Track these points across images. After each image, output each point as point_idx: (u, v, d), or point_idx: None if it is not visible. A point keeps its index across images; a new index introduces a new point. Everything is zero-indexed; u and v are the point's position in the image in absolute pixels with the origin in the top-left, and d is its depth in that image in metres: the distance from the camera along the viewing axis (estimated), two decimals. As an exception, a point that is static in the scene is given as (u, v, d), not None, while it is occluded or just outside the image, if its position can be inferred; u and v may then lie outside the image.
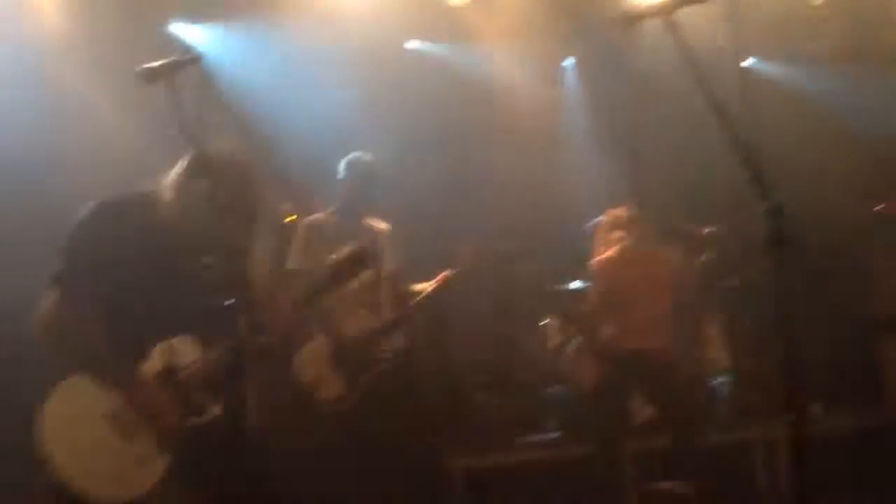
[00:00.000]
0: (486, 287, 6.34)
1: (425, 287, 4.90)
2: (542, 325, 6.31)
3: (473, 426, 5.97)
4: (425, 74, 6.56)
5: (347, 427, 4.59)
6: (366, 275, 4.60)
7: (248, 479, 2.41)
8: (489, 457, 5.58)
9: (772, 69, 7.02)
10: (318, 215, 4.88)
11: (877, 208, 6.21)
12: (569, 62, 7.43)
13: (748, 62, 7.04)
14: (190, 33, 6.17)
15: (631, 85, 6.89)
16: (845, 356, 6.11)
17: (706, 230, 6.41)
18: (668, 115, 6.60)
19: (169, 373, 2.48)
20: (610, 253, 5.41)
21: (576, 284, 6.24)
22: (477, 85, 6.81)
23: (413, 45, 6.90)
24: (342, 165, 4.87)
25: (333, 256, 2.79)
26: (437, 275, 4.90)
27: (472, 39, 6.74)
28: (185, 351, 2.50)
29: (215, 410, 2.46)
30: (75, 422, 2.45)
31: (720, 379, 6.25)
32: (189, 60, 2.25)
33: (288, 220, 5.03)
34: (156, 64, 2.27)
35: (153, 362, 2.49)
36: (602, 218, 6.71)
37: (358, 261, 2.65)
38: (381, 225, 4.92)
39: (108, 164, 5.18)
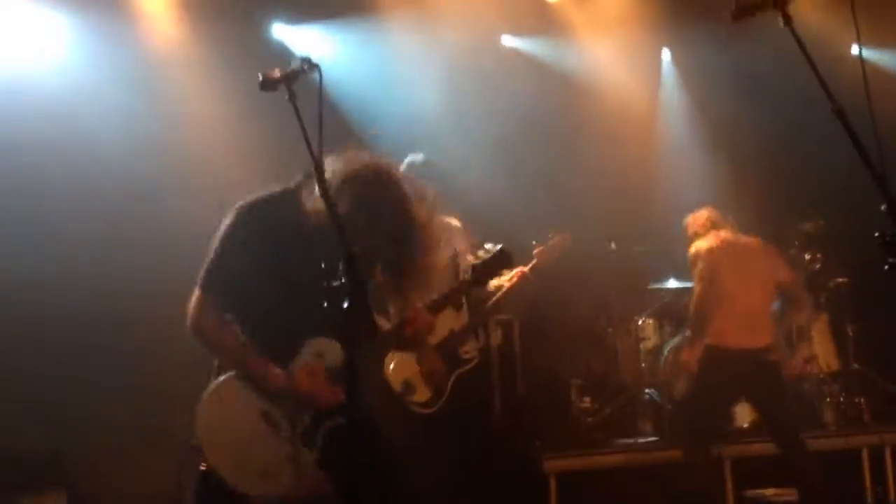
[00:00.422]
0: (579, 285, 6.27)
1: (502, 283, 4.85)
2: (639, 324, 6.23)
3: (568, 428, 5.92)
4: (522, 69, 6.52)
5: (438, 430, 4.59)
6: (449, 274, 4.69)
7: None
8: (583, 459, 5.51)
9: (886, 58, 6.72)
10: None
11: None
12: (667, 56, 7.29)
13: (861, 51, 6.75)
14: (289, 35, 6.27)
15: (732, 80, 6.70)
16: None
17: (809, 224, 6.23)
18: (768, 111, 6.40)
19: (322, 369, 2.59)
20: (712, 242, 5.14)
21: (672, 283, 6.13)
22: (574, 80, 6.75)
23: (509, 40, 6.88)
24: (407, 167, 4.59)
25: (471, 258, 2.82)
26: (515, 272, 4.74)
27: (569, 34, 6.67)
28: (329, 350, 2.60)
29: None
30: (228, 415, 2.60)
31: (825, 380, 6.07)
32: (310, 69, 2.30)
33: None
34: (276, 73, 2.33)
35: (305, 358, 2.60)
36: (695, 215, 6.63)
37: (502, 259, 2.75)
38: (455, 221, 4.89)
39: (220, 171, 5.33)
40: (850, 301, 6.32)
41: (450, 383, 4.56)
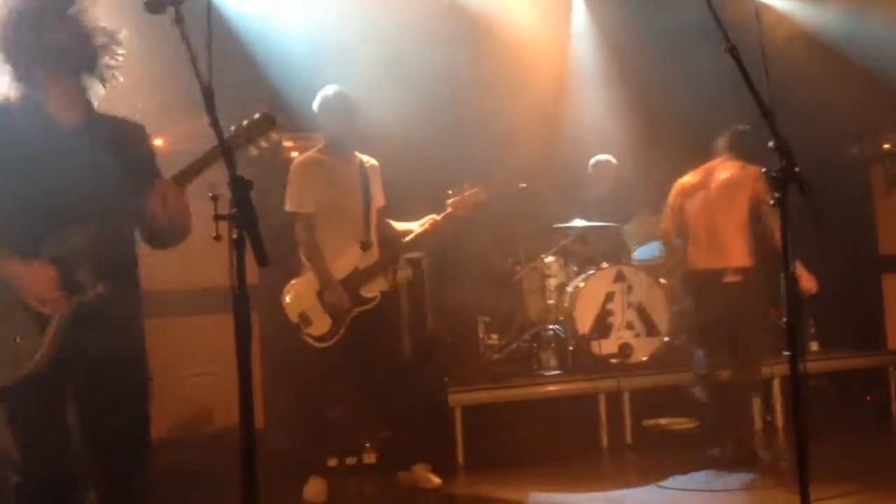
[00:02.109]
0: (488, 225, 6.33)
1: (412, 227, 4.88)
2: (545, 262, 6.34)
3: (475, 364, 6.03)
4: (431, 13, 6.42)
5: (335, 363, 4.64)
6: (357, 209, 4.69)
7: None
8: (488, 393, 5.63)
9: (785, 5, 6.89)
10: (310, 154, 4.77)
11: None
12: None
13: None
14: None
15: (641, 23, 6.76)
16: (847, 295, 6.15)
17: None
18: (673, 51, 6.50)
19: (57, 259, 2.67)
20: (689, 176, 5.30)
21: (577, 223, 6.25)
22: (483, 23, 6.70)
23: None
24: (321, 101, 4.70)
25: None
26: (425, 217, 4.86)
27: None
28: (70, 237, 2.69)
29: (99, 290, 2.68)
30: None
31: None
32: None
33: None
34: (161, -7, 2.23)
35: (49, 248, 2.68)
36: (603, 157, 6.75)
37: (264, 123, 2.72)
38: (371, 160, 4.88)
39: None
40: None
41: (347, 319, 4.60)
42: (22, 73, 2.71)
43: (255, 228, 2.05)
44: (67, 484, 2.72)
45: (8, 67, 2.71)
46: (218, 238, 2.14)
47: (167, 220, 2.68)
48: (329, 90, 4.71)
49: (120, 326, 2.76)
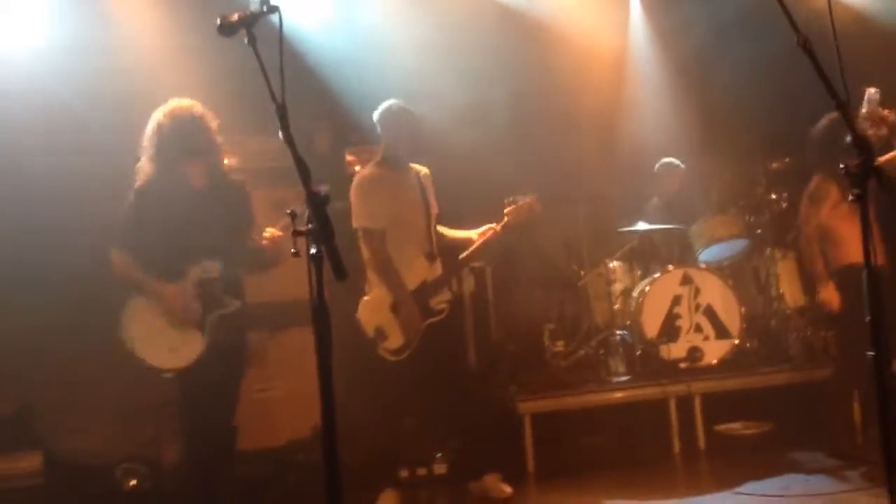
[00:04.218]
0: (551, 231, 6.32)
1: (469, 235, 4.88)
2: (609, 267, 6.29)
3: (542, 372, 6.00)
4: (490, 18, 6.45)
5: (408, 375, 4.65)
6: (421, 221, 4.71)
7: None
8: (557, 400, 5.58)
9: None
10: (371, 169, 4.75)
11: None
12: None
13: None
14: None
15: (701, 23, 6.68)
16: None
17: (776, 163, 6.29)
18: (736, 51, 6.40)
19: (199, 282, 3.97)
20: None
21: (640, 226, 6.19)
22: (542, 27, 6.70)
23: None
24: (383, 115, 4.71)
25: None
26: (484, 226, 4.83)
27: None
28: (212, 268, 3.99)
29: (233, 304, 4.04)
30: (143, 319, 3.97)
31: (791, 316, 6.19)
32: (267, 11, 2.27)
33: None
34: (235, 16, 2.30)
35: (191, 276, 3.98)
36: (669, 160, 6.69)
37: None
38: (423, 169, 4.89)
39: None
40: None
41: (421, 332, 4.62)
42: (166, 160, 3.95)
43: (332, 243, 2.09)
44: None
45: (155, 155, 3.96)
46: (296, 254, 2.18)
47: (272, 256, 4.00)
48: (391, 104, 4.73)
49: (241, 328, 4.11)
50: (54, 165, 5.29)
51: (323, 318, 2.06)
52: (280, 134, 2.20)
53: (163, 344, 3.95)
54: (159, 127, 3.98)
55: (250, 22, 2.28)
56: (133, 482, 5.18)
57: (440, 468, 5.17)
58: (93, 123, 5.39)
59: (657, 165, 6.69)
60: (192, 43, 5.18)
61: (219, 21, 2.34)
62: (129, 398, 5.42)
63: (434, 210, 4.84)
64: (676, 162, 6.67)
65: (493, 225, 4.82)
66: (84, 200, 5.34)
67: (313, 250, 2.09)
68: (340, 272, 2.08)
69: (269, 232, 4.01)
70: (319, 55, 5.94)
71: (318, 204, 2.08)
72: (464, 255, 4.87)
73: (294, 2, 5.70)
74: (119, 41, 5.60)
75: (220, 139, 4.07)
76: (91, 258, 5.05)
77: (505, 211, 4.80)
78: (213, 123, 4.04)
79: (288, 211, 2.23)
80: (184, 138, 3.96)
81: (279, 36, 2.23)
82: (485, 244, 4.81)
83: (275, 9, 2.29)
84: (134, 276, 3.97)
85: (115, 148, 5.18)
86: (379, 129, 4.76)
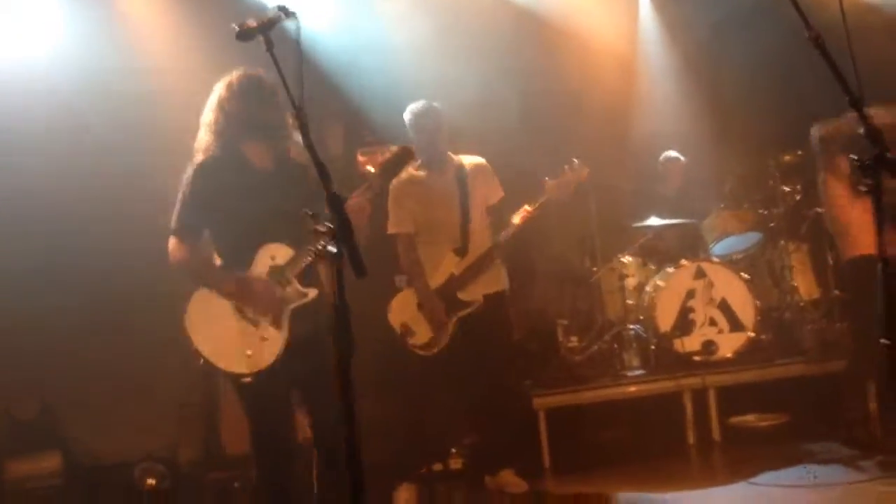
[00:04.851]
0: (563, 227, 6.33)
1: (511, 221, 4.75)
2: (622, 262, 6.31)
3: (556, 367, 6.02)
4: (500, 15, 6.47)
5: (439, 370, 4.72)
6: (453, 220, 4.74)
7: None
8: (572, 395, 5.61)
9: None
10: (406, 173, 4.74)
11: None
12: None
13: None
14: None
15: (711, 15, 6.69)
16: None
17: (789, 155, 6.29)
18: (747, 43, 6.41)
19: (272, 270, 3.39)
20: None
21: (653, 221, 6.20)
22: (552, 23, 6.72)
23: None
24: (411, 116, 4.77)
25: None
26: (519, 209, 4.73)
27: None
28: (278, 253, 3.42)
29: (310, 293, 3.41)
30: (209, 317, 3.38)
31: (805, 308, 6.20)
32: (284, 16, 2.31)
33: None
34: (252, 22, 2.34)
35: (258, 264, 3.41)
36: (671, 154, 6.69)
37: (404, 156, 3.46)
38: (475, 159, 4.95)
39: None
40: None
41: (450, 326, 4.67)
42: (228, 139, 3.45)
43: (352, 241, 2.13)
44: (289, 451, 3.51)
45: (215, 128, 3.46)
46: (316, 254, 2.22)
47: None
48: (418, 105, 4.80)
49: (319, 320, 3.36)
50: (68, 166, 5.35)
51: (343, 316, 2.09)
52: (300, 139, 2.24)
53: (237, 344, 3.35)
54: (221, 99, 3.48)
55: (268, 28, 2.32)
56: (151, 481, 5.24)
57: (456, 463, 5.21)
58: (99, 124, 5.44)
59: (660, 158, 6.71)
60: (203, 45, 5.26)
61: (236, 27, 2.38)
62: (150, 398, 5.50)
63: (484, 201, 4.83)
64: (678, 155, 6.68)
65: (526, 206, 4.71)
66: (99, 200, 5.43)
67: (333, 249, 2.12)
68: (360, 270, 2.12)
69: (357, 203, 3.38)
70: (330, 56, 5.98)
71: (337, 204, 2.12)
72: (500, 239, 4.78)
73: (303, 3, 5.72)
74: (130, 42, 5.66)
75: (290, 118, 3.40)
76: (111, 258, 5.14)
77: (546, 188, 4.67)
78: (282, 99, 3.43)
79: (306, 210, 2.27)
80: (249, 113, 3.44)
81: (297, 42, 2.26)
82: (521, 226, 4.70)
83: (293, 14, 2.33)
84: (198, 265, 3.44)
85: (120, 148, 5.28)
86: (410, 133, 4.81)
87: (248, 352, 3.30)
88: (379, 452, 4.98)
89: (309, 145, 2.27)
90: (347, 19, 6.13)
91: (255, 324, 3.35)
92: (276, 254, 3.39)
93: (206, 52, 5.14)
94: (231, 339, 3.33)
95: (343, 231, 2.10)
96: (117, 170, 5.47)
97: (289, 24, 2.38)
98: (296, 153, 3.51)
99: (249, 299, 3.34)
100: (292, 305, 3.36)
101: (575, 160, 4.75)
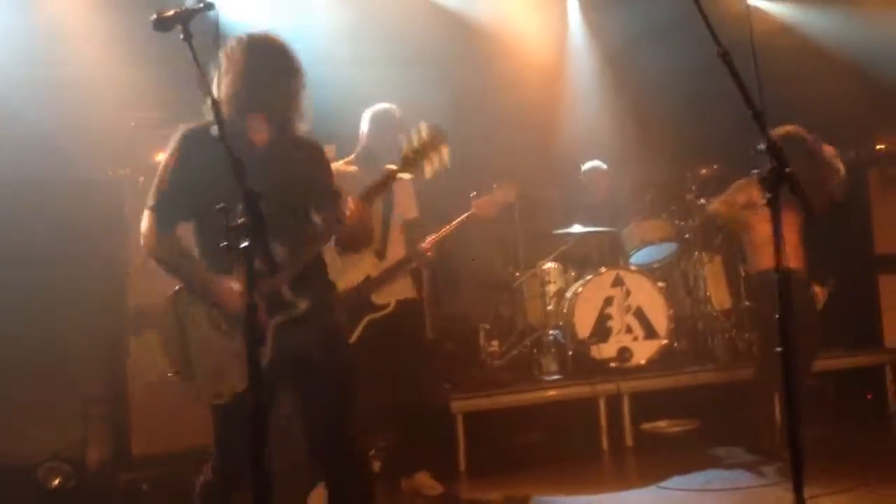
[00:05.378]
0: (487, 233, 6.38)
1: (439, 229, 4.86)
2: (544, 268, 6.39)
3: (477, 371, 6.06)
4: (425, 16, 6.49)
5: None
6: (376, 222, 4.73)
7: None
8: (490, 399, 5.65)
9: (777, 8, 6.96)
10: (339, 166, 4.70)
11: None
12: (573, 4, 7.38)
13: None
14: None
15: (636, 31, 6.82)
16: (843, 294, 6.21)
17: (705, 169, 6.47)
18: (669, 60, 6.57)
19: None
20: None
21: (575, 228, 6.31)
22: (479, 28, 6.77)
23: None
24: (373, 117, 4.79)
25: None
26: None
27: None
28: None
29: (301, 304, 2.90)
30: (181, 327, 2.89)
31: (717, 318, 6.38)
32: (203, 7, 2.29)
33: None
34: (170, 12, 2.31)
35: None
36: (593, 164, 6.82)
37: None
38: (404, 176, 4.90)
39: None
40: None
41: (360, 327, 4.65)
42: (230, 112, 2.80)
43: (263, 237, 2.12)
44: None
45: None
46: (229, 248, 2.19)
47: (348, 231, 3.02)
48: (381, 107, 4.81)
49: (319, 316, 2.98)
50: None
51: (253, 314, 2.08)
52: (214, 130, 2.21)
53: (211, 362, 2.86)
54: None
55: (186, 18, 2.29)
56: (57, 481, 5.10)
57: (372, 465, 5.19)
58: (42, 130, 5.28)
59: (583, 168, 6.82)
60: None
61: (154, 16, 2.35)
62: (56, 398, 5.34)
63: (405, 213, 4.86)
64: (601, 164, 6.82)
65: (450, 223, 4.80)
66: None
67: (245, 244, 2.11)
68: (272, 267, 2.11)
69: (353, 202, 3.04)
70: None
71: (252, 200, 2.11)
72: (416, 248, 4.81)
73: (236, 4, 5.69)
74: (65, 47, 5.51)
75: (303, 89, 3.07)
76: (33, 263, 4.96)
77: (473, 203, 4.77)
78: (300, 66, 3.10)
79: (218, 205, 2.24)
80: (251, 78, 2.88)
81: (216, 31, 2.24)
82: (440, 238, 4.79)
83: (211, 6, 2.31)
84: (176, 260, 2.91)
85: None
86: (364, 128, 4.81)
87: (224, 371, 2.80)
88: (294, 454, 4.96)
89: (222, 137, 2.24)
90: (284, 27, 6.06)
91: (233, 338, 2.82)
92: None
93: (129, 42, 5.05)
94: (207, 355, 2.84)
95: (255, 226, 2.09)
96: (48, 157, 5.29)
97: (209, 15, 2.35)
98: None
99: (229, 308, 2.79)
100: (280, 318, 2.85)
101: (505, 180, 4.81)
